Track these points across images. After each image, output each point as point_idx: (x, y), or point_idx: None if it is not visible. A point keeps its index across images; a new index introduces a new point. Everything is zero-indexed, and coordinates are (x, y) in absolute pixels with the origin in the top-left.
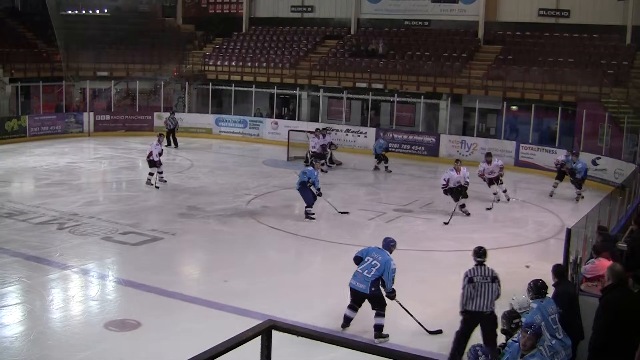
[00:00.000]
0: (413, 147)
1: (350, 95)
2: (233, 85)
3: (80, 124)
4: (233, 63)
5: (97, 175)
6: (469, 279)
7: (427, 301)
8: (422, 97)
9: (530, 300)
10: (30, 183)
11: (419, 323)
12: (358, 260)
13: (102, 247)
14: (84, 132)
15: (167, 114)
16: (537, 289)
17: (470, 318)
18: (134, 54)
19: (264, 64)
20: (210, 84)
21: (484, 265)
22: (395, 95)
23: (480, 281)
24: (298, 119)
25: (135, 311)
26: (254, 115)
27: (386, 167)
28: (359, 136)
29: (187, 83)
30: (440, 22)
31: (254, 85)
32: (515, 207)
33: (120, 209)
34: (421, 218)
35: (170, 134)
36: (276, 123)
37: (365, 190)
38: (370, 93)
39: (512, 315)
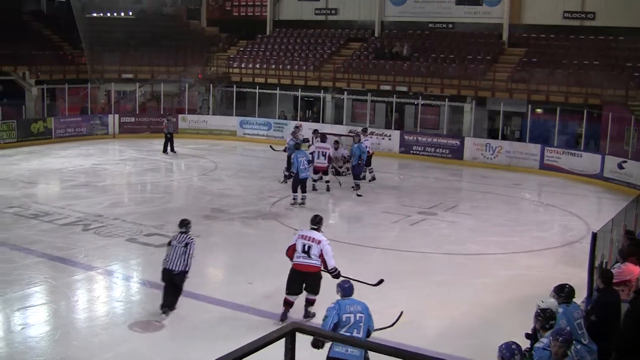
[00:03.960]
0: (437, 150)
1: (375, 98)
2: (257, 87)
3: (105, 125)
4: (257, 65)
5: (121, 177)
6: (169, 242)
7: (448, 305)
8: (447, 99)
9: (557, 305)
10: (55, 184)
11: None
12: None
13: (127, 249)
14: (109, 134)
15: (165, 118)
16: (565, 293)
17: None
18: (158, 57)
19: (288, 67)
20: (235, 86)
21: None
22: (420, 97)
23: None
24: (322, 122)
25: (160, 313)
26: (278, 118)
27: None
28: (383, 138)
29: (211, 85)
30: (464, 25)
31: (278, 88)
32: (540, 211)
33: (144, 210)
34: (445, 221)
35: (169, 139)
36: (300, 125)
37: (389, 192)
38: (395, 95)
39: (547, 315)
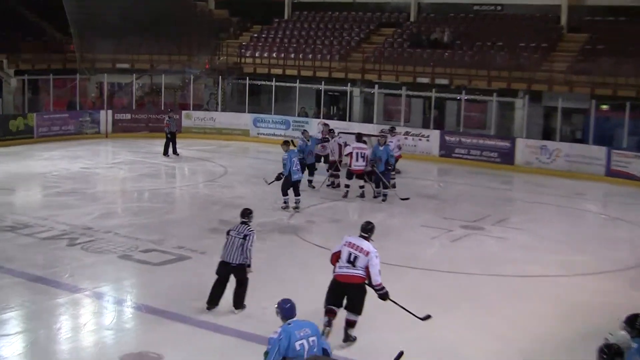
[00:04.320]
0: (484, 153)
1: (410, 92)
2: (274, 80)
3: (97, 123)
4: (274, 54)
5: (115, 183)
6: (227, 231)
7: (497, 336)
8: (495, 94)
9: (629, 338)
10: (37, 191)
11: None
12: None
13: (120, 267)
14: (101, 133)
15: (166, 115)
16: (639, 325)
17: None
18: (159, 44)
19: (310, 56)
20: (247, 78)
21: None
22: (463, 92)
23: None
24: (349, 120)
25: (157, 342)
26: (298, 115)
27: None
28: (420, 140)
29: (220, 77)
30: (515, 7)
31: (297, 81)
32: (607, 225)
33: (141, 222)
34: (494, 237)
35: (171, 140)
36: (324, 124)
37: (427, 203)
38: (434, 90)
39: (613, 351)
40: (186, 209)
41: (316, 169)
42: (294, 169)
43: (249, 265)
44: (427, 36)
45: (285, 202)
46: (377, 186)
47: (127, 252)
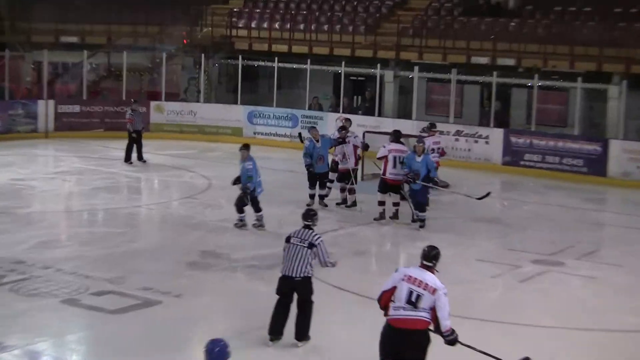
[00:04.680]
0: (564, 160)
1: (463, 77)
2: (276, 60)
3: (33, 118)
4: (276, 25)
5: (58, 201)
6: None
7: None
8: (580, 79)
9: None
10: None
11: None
12: None
13: (63, 316)
14: (39, 132)
15: (129, 108)
16: None
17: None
18: (120, 11)
19: (325, 27)
20: (240, 57)
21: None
22: (536, 76)
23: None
24: (379, 114)
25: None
26: (309, 108)
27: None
28: (475, 142)
29: (203, 56)
30: None
31: (308, 61)
32: None
33: (94, 254)
34: (579, 275)
35: (136, 141)
36: (345, 119)
37: (486, 228)
38: (495, 73)
39: None
40: (155, 235)
41: (331, 181)
42: (258, 179)
43: (333, 265)
44: (487, 0)
45: (241, 220)
46: (416, 207)
47: (73, 296)
